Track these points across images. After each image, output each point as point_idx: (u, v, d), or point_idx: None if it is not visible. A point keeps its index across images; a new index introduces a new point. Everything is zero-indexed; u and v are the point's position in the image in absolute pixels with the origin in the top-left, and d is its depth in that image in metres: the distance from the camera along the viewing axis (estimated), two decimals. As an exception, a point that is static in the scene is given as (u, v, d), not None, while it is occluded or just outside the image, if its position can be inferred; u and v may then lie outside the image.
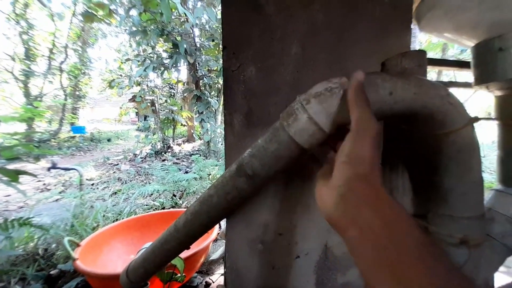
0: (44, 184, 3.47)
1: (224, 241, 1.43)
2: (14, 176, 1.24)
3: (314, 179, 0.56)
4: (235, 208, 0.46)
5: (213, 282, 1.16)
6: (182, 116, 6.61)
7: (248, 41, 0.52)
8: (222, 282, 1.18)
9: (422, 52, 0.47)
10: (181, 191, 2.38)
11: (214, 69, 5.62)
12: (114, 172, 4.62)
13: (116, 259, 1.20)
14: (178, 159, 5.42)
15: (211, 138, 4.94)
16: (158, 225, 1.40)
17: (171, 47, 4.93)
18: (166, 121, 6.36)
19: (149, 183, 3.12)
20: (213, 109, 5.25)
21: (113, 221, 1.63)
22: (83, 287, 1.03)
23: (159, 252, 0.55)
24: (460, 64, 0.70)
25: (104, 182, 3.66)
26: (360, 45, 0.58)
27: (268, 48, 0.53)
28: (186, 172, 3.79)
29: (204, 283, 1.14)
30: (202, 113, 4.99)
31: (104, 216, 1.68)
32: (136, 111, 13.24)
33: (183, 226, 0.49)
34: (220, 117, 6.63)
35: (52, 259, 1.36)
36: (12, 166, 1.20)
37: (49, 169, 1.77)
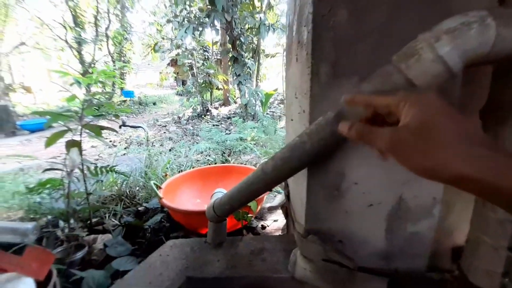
0: (111, 141, 4.05)
1: (281, 190, 1.56)
2: (98, 131, 1.46)
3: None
4: (326, 154, 0.49)
5: (268, 226, 1.32)
6: (218, 79, 6.67)
7: (340, -19, 0.49)
8: (275, 227, 1.33)
9: None
10: (229, 150, 2.56)
11: (250, 27, 5.31)
12: (164, 132, 5.10)
13: (185, 201, 1.42)
14: (218, 121, 5.68)
15: (248, 101, 4.96)
16: (216, 176, 1.58)
17: (208, 4, 4.74)
18: (204, 85, 6.52)
19: (197, 143, 3.41)
20: (250, 71, 5.15)
21: (178, 172, 1.88)
22: (165, 220, 1.28)
23: (245, 192, 0.64)
24: None
25: (158, 140, 4.10)
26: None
27: (361, -12, 0.49)
28: (227, 134, 4.01)
29: (260, 226, 1.30)
30: (239, 75, 4.95)
31: (169, 168, 1.94)
32: (175, 75, 13.72)
33: (272, 170, 0.55)
34: (255, 80, 6.48)
35: (135, 199, 1.67)
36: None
37: (120, 126, 2.05)
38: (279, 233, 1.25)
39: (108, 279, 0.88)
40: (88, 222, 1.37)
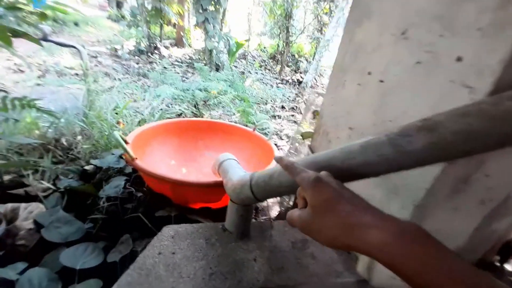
0: (15, 64, 2.81)
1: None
2: (6, 37, 0.88)
3: None
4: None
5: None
6: (172, 9, 5.40)
7: None
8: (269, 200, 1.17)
9: None
10: (204, 101, 2.11)
11: None
12: (95, 65, 3.94)
13: (158, 162, 1.07)
14: (170, 64, 4.76)
15: (215, 47, 4.22)
16: (195, 132, 1.23)
17: None
18: (153, 13, 5.16)
19: (148, 86, 2.73)
20: (220, 8, 4.27)
21: (139, 122, 1.40)
22: (132, 187, 0.92)
23: (344, 171, 0.40)
24: None
25: (90, 74, 3.12)
26: None
27: None
28: (185, 81, 3.38)
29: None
30: (205, 10, 4.04)
31: (127, 114, 1.40)
32: (107, -9, 10.40)
33: (424, 146, 0.32)
34: (219, 23, 5.52)
35: (71, 152, 1.17)
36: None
37: (40, 39, 1.31)
38: (276, 207, 1.10)
39: (57, 283, 0.55)
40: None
